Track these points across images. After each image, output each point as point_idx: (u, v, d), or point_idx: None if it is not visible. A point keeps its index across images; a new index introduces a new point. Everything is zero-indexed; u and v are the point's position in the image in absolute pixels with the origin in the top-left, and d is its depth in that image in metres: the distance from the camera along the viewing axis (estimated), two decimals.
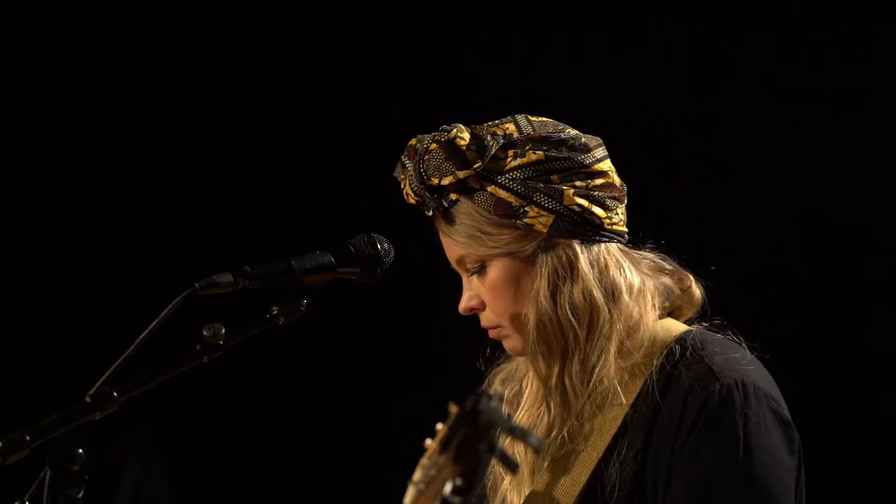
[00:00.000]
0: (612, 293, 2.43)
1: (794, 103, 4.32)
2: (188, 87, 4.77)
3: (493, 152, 2.41)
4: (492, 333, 2.53)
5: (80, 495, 1.98)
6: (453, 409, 1.83)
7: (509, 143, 2.43)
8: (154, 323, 2.09)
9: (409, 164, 2.47)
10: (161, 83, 4.77)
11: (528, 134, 2.44)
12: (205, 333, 2.12)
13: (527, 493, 2.48)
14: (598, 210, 2.43)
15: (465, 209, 2.44)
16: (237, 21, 4.76)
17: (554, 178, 2.42)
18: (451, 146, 2.41)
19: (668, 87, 4.43)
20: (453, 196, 2.44)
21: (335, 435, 4.79)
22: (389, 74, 4.71)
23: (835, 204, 4.28)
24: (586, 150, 2.45)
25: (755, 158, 4.36)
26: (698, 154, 4.38)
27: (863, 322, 4.30)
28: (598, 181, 2.45)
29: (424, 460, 1.83)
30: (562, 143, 2.43)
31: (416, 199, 2.48)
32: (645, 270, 2.51)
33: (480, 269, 2.47)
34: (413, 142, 2.48)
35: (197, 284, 2.15)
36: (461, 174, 2.41)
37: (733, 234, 4.32)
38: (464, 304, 2.51)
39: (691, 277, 2.55)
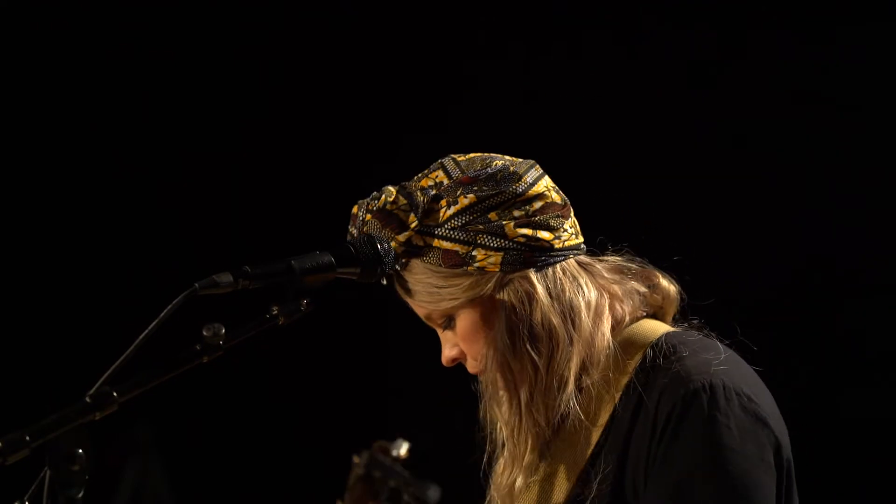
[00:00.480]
0: (569, 316, 2.41)
1: (794, 104, 4.32)
2: (189, 88, 4.78)
3: (424, 207, 2.40)
4: (482, 377, 2.50)
5: (80, 495, 1.97)
6: (356, 460, 1.84)
7: (438, 193, 2.42)
8: (154, 323, 2.09)
9: (356, 233, 2.47)
10: (161, 83, 4.78)
11: (457, 178, 2.42)
12: (205, 333, 2.12)
13: None
14: (543, 234, 2.42)
15: (417, 269, 2.43)
16: (237, 21, 4.76)
17: (491, 215, 2.40)
18: (383, 213, 2.42)
19: (668, 87, 4.43)
20: (403, 259, 2.43)
21: (335, 435, 4.79)
22: (390, 74, 4.72)
23: (833, 204, 4.28)
24: (516, 178, 2.42)
25: (754, 159, 4.36)
26: (697, 154, 4.39)
27: (856, 319, 4.31)
28: (537, 205, 2.43)
29: None
30: (490, 178, 2.41)
31: None
32: (607, 277, 2.49)
33: (450, 322, 2.47)
34: (355, 210, 2.48)
35: (197, 284, 2.15)
36: (401, 237, 2.40)
37: (731, 233, 4.33)
38: (445, 355, 2.52)
39: (658, 274, 2.53)
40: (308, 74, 4.76)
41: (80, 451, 1.97)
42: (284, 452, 4.83)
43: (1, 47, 4.73)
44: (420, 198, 2.41)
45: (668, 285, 2.52)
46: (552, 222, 2.43)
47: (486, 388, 2.48)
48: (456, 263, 2.40)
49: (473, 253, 2.40)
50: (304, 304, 2.25)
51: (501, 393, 2.45)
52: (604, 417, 2.39)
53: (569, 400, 2.39)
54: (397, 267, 2.44)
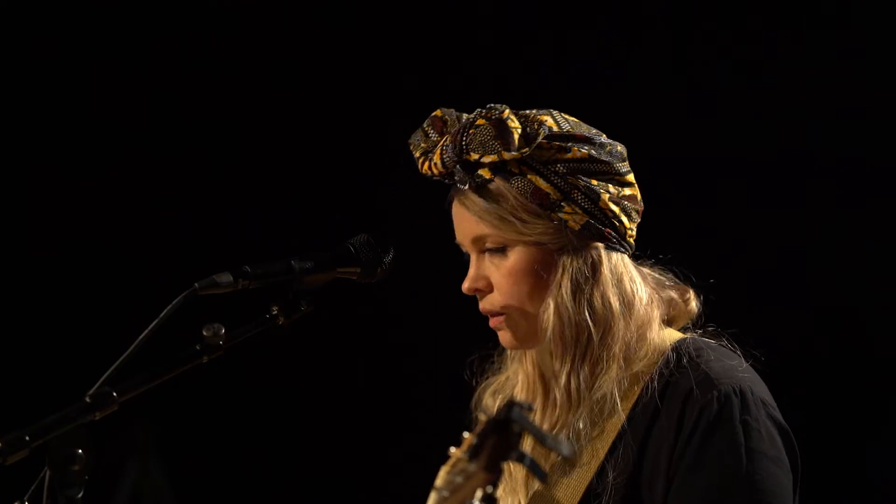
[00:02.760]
0: (626, 302, 2.45)
1: (794, 104, 4.31)
2: (188, 87, 4.77)
3: (539, 140, 2.39)
4: (493, 321, 2.49)
5: (80, 495, 1.98)
6: (482, 417, 1.84)
7: (554, 135, 2.41)
8: (154, 323, 2.10)
9: (433, 135, 2.45)
10: (161, 82, 4.77)
11: (568, 130, 2.43)
12: (205, 333, 2.12)
13: (523, 501, 2.48)
14: (624, 219, 2.46)
15: (499, 190, 2.41)
16: (237, 20, 4.76)
17: (593, 180, 2.43)
18: (501, 125, 2.38)
19: (668, 87, 4.42)
20: (487, 175, 2.40)
21: (335, 435, 4.79)
22: (389, 74, 4.71)
23: (836, 211, 4.27)
24: (622, 158, 2.48)
25: (755, 160, 4.36)
26: (698, 156, 4.38)
27: (866, 334, 4.30)
28: (628, 191, 2.48)
29: (448, 467, 1.83)
30: (602, 147, 2.44)
31: (442, 170, 2.44)
32: (651, 283, 2.53)
33: (500, 251, 2.45)
34: (438, 113, 2.46)
35: (197, 284, 2.16)
36: (507, 155, 2.38)
37: (734, 238, 4.32)
38: (469, 283, 2.48)
39: (691, 291, 2.57)
40: (308, 74, 4.76)
41: (80, 451, 1.97)
42: (285, 452, 4.82)
43: (1, 47, 4.73)
44: (536, 129, 2.40)
45: (694, 302, 2.56)
46: (633, 214, 2.49)
47: (541, 341, 2.44)
48: (542, 205, 2.40)
49: (563, 204, 2.41)
50: (304, 304, 2.26)
51: (552, 354, 2.44)
52: (629, 405, 2.42)
53: (612, 385, 2.41)
54: (475, 180, 2.40)
